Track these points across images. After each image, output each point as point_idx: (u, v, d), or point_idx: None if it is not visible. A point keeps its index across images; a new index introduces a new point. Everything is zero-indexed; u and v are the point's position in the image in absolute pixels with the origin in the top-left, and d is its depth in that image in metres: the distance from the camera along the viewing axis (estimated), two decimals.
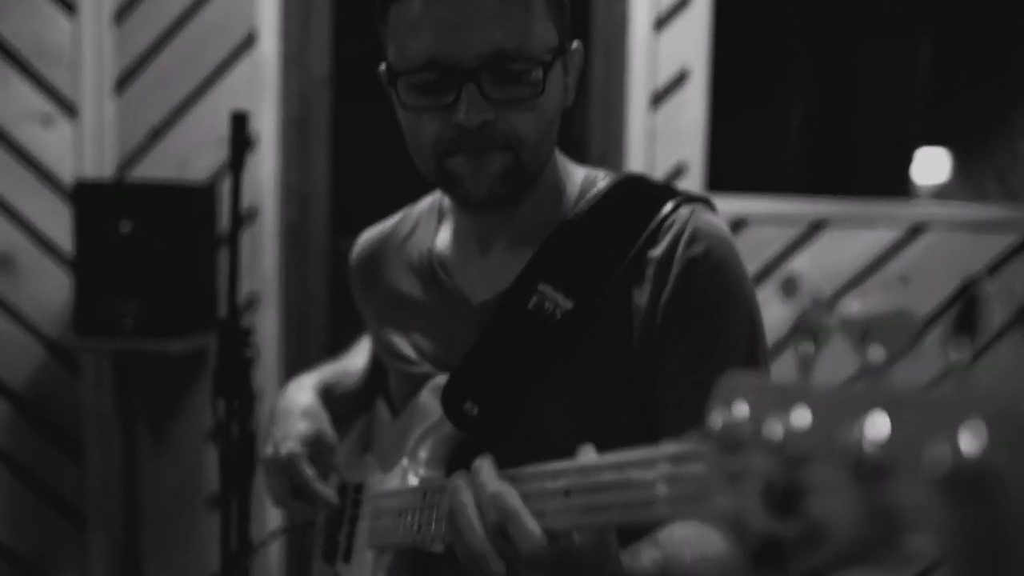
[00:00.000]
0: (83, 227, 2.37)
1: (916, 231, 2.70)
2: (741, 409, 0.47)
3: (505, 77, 0.96)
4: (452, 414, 1.07)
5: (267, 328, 2.62)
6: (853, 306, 0.46)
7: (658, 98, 2.62)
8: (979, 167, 3.17)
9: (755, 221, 2.65)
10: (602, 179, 1.12)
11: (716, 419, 0.49)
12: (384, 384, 1.30)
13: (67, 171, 2.55)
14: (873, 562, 0.40)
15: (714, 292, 1.00)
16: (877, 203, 2.74)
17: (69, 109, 2.56)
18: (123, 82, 2.58)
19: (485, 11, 0.94)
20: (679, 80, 2.61)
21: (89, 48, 2.55)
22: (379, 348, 1.26)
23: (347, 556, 1.24)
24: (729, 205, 2.62)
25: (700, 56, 2.60)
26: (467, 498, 0.83)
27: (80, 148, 2.57)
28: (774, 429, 0.44)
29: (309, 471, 1.16)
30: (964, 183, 3.18)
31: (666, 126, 2.61)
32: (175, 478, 2.63)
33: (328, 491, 1.18)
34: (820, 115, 3.36)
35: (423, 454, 1.12)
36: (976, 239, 2.69)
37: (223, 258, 2.38)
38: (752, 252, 2.64)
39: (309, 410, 1.23)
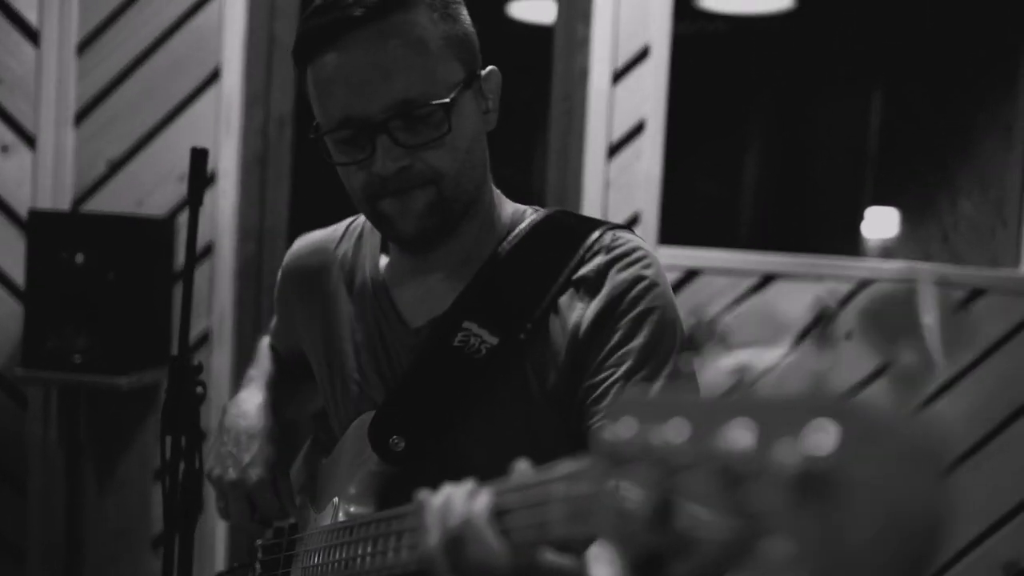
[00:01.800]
0: (36, 258, 2.35)
1: (863, 286, 2.76)
2: (628, 425, 0.48)
3: (414, 122, 1.03)
4: (379, 449, 1.10)
5: (220, 366, 2.61)
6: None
7: (614, 149, 2.67)
8: (925, 226, 3.26)
9: (707, 273, 2.70)
10: (530, 214, 1.17)
11: (604, 436, 0.50)
12: (298, 398, 1.31)
13: (23, 201, 2.54)
14: (742, 570, 0.40)
15: (642, 306, 1.05)
16: (826, 259, 2.80)
17: (27, 139, 2.55)
18: (84, 113, 2.58)
19: (386, 65, 1.01)
20: (635, 131, 2.66)
21: (51, 78, 2.54)
22: (314, 359, 1.27)
23: None
24: (681, 257, 2.67)
25: (657, 108, 2.66)
26: (435, 500, 0.82)
27: (37, 178, 2.55)
28: (653, 442, 0.45)
29: (276, 501, 1.19)
30: (910, 241, 3.27)
31: (622, 177, 2.66)
32: (120, 516, 2.59)
33: (279, 511, 1.19)
34: (774, 170, 3.44)
35: (352, 490, 1.14)
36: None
37: (177, 294, 2.37)
38: (702, 303, 2.68)
39: (273, 434, 1.25)
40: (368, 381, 1.17)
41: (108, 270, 2.34)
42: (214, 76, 2.58)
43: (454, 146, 1.05)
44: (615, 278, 1.06)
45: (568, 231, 1.12)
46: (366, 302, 1.20)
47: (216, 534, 2.59)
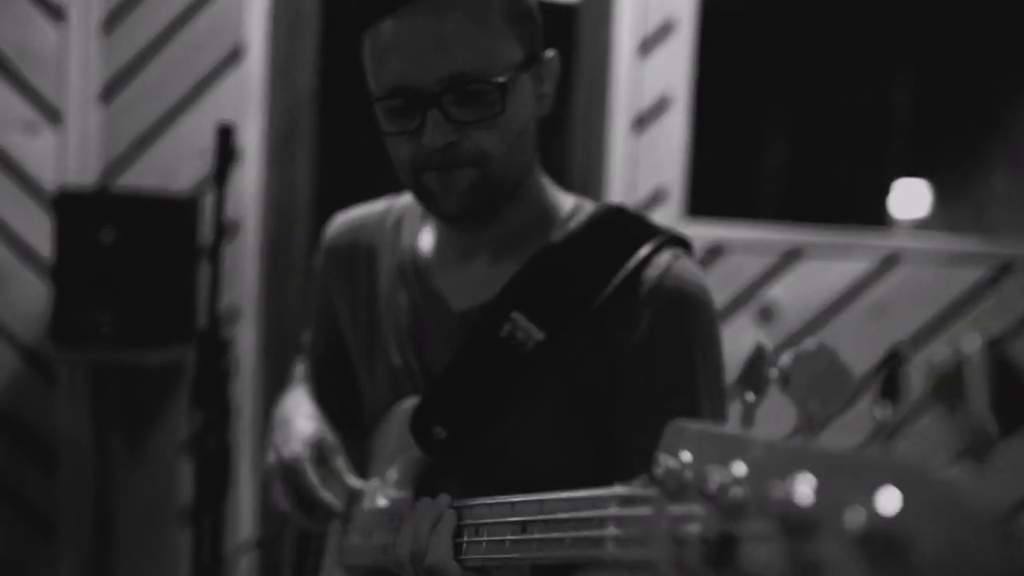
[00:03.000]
0: (63, 236, 2.36)
1: (891, 262, 2.73)
2: (685, 457, 0.50)
3: (467, 98, 1.00)
4: (420, 438, 1.08)
5: (245, 342, 2.62)
6: (786, 360, 0.48)
7: (640, 123, 2.65)
8: (956, 200, 3.22)
9: (732, 248, 2.68)
10: (586, 208, 1.14)
11: (661, 465, 0.51)
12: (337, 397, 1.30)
13: (50, 179, 2.55)
14: None
15: (684, 340, 1.02)
16: (854, 232, 2.77)
17: (54, 117, 2.56)
18: (109, 91, 2.58)
19: (444, 36, 0.98)
20: (661, 105, 2.64)
21: (76, 56, 2.55)
22: (352, 341, 1.26)
23: (315, 572, 1.24)
24: (707, 231, 2.65)
25: (683, 82, 2.63)
26: (415, 518, 0.89)
27: (64, 156, 2.56)
28: (713, 479, 0.46)
29: (313, 475, 1.15)
30: (941, 215, 3.23)
31: (647, 151, 2.64)
32: (149, 490, 2.61)
33: (331, 497, 1.16)
34: (800, 143, 3.40)
35: (393, 475, 1.13)
36: (951, 272, 2.73)
37: (204, 270, 2.38)
38: (728, 278, 2.67)
39: (312, 414, 1.24)
40: (408, 365, 1.16)
41: (134, 247, 2.34)
42: (239, 52, 2.58)
43: (505, 128, 1.02)
44: (667, 303, 1.03)
45: (625, 234, 1.09)
46: (408, 284, 1.18)
47: (244, 508, 2.61)
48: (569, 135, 2.73)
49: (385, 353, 1.19)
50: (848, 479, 0.39)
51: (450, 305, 1.14)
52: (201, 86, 2.59)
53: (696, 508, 0.48)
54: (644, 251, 1.06)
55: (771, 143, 3.32)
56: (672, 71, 2.63)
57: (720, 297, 2.45)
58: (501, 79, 1.00)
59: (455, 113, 1.00)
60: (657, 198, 2.65)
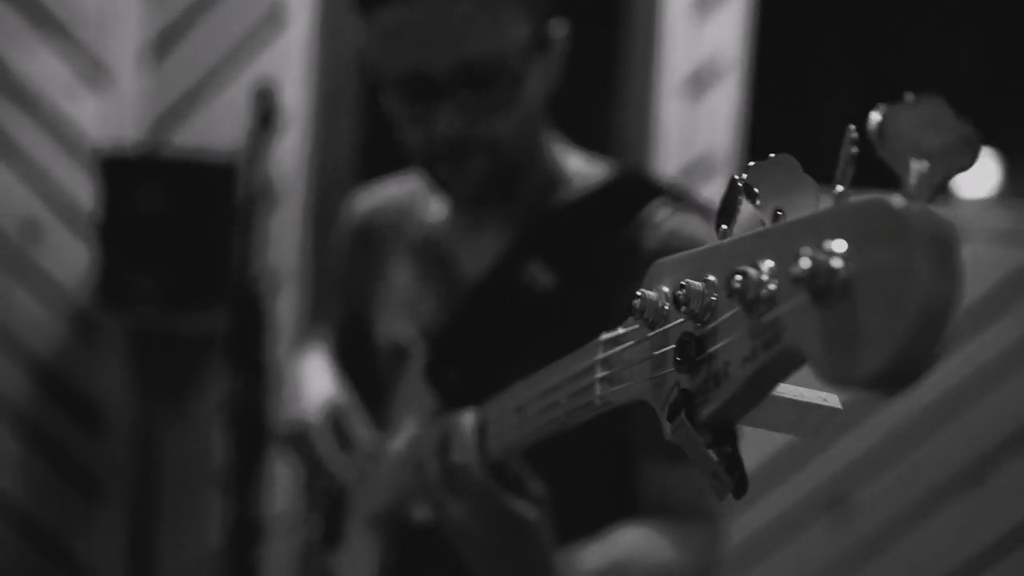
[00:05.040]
0: (108, 197, 2.36)
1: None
2: (662, 288, 0.52)
3: (478, 84, 0.98)
4: (434, 380, 1.09)
5: (285, 308, 2.60)
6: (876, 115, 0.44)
7: (693, 87, 2.56)
8: None
9: None
10: (600, 170, 1.14)
11: (641, 298, 0.53)
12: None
13: (95, 139, 2.54)
14: (762, 393, 0.45)
15: None
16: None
17: (100, 76, 2.54)
18: (156, 49, 2.56)
19: (455, 22, 0.95)
20: (716, 69, 2.55)
21: (123, 13, 2.53)
22: (366, 315, 1.26)
23: (339, 535, 1.24)
24: None
25: (739, 45, 2.54)
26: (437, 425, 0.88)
27: (109, 116, 2.56)
28: (682, 294, 0.47)
29: (324, 442, 1.16)
30: (1012, 187, 3.10)
31: (700, 116, 2.55)
32: (192, 451, 2.62)
33: (343, 463, 1.16)
34: (862, 110, 3.28)
35: (409, 428, 1.12)
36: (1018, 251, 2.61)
37: (255, 236, 2.37)
38: None
39: (325, 374, 1.26)
40: (424, 336, 1.16)
41: (177, 210, 2.34)
42: (284, 12, 2.54)
43: (517, 111, 1.01)
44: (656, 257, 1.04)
45: (630, 194, 1.10)
46: (424, 259, 1.19)
47: (282, 471, 2.61)
48: (618, 98, 2.65)
49: (397, 324, 1.19)
50: (803, 239, 0.40)
51: (462, 272, 1.15)
52: (249, 45, 2.55)
53: (672, 326, 0.50)
54: (652, 208, 1.07)
55: (831, 109, 3.20)
56: (728, 32, 2.53)
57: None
58: (513, 64, 0.98)
59: (466, 101, 0.98)
60: (708, 166, 2.57)
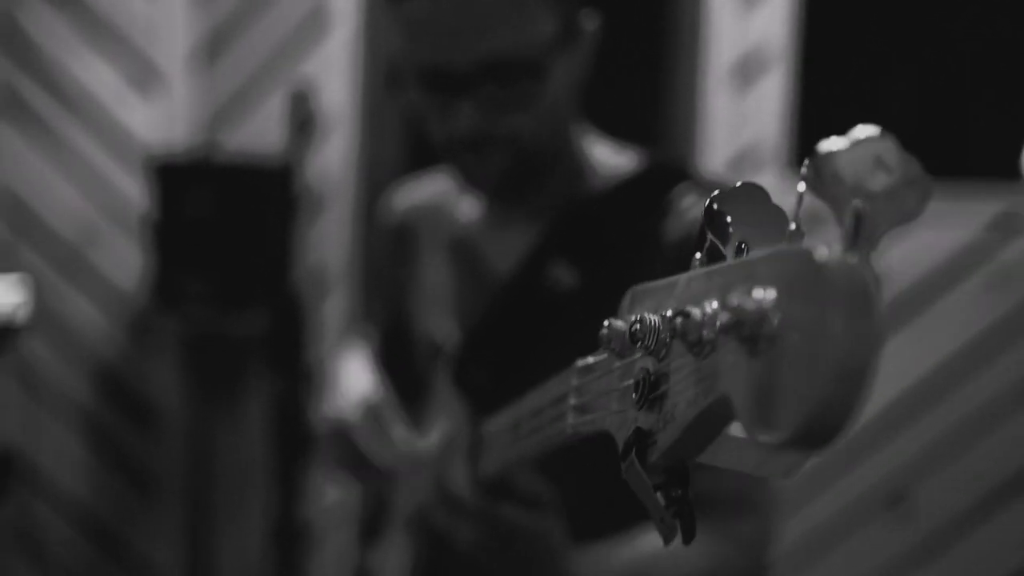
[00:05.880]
0: (161, 201, 2.40)
1: (1018, 224, 2.53)
2: (632, 317, 0.49)
3: (502, 79, 0.96)
4: (461, 381, 1.08)
5: (336, 310, 2.62)
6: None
7: (740, 77, 2.51)
8: None
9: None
10: (629, 160, 1.12)
11: (610, 328, 0.51)
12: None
13: (147, 143, 2.59)
14: (710, 436, 0.43)
15: None
16: (976, 191, 2.58)
17: (151, 80, 2.59)
18: (205, 53, 2.60)
19: (478, 16, 0.94)
20: (763, 59, 2.49)
21: (171, 18, 2.57)
22: (401, 312, 1.27)
23: (379, 533, 1.25)
24: None
25: (786, 34, 2.48)
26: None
27: (160, 120, 2.60)
28: (637, 328, 0.46)
29: (367, 439, 1.17)
30: None
31: (747, 107, 2.50)
32: (241, 449, 2.66)
33: (381, 462, 1.17)
34: (919, 95, 3.18)
35: (439, 430, 1.13)
36: None
37: (296, 236, 2.40)
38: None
39: (365, 372, 1.26)
40: (452, 332, 1.17)
41: (228, 213, 2.37)
42: (328, 14, 2.55)
43: (541, 106, 0.99)
44: (686, 246, 1.02)
45: (658, 185, 1.07)
46: (457, 257, 1.19)
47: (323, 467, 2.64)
48: (664, 88, 2.62)
49: (430, 321, 1.20)
50: (740, 283, 0.38)
51: (492, 269, 1.14)
52: (294, 48, 2.57)
53: (635, 360, 0.49)
54: (679, 196, 1.04)
55: (882, 100, 3.11)
56: (777, 18, 2.47)
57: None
58: (537, 60, 0.96)
59: (489, 97, 0.97)
60: (756, 158, 2.52)
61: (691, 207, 1.03)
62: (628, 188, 1.09)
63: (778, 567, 1.06)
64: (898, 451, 2.57)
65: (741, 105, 2.51)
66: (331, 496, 2.55)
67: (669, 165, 1.14)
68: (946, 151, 3.08)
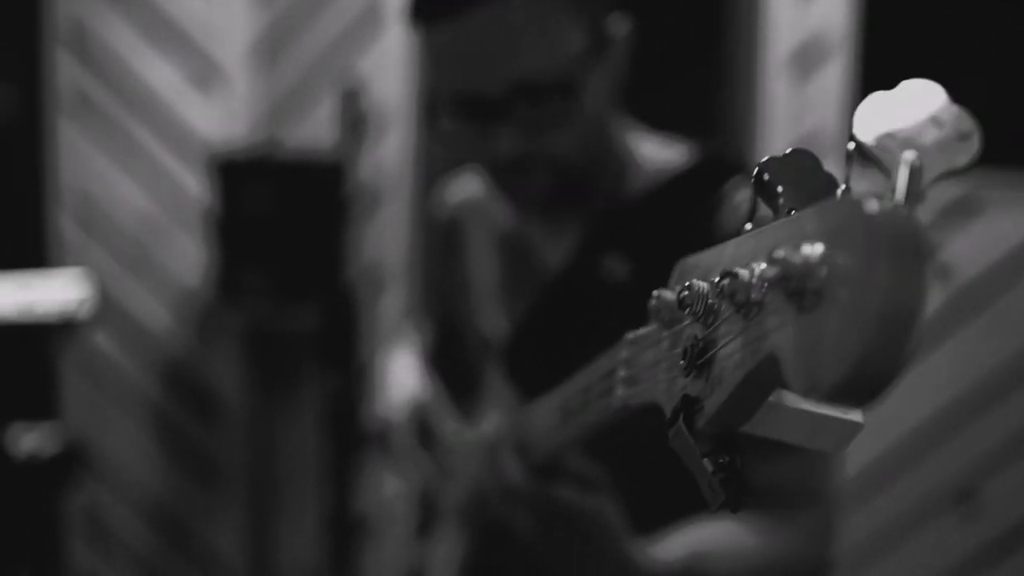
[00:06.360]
0: (223, 197, 2.45)
1: None
2: (679, 287, 0.49)
3: (536, 100, 0.95)
4: (512, 375, 1.09)
5: (391, 305, 2.63)
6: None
7: (800, 65, 2.47)
8: None
9: None
10: (676, 154, 1.11)
11: (656, 299, 0.51)
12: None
13: (208, 139, 2.63)
14: (758, 400, 0.43)
15: None
16: None
17: (211, 77, 2.63)
18: (263, 50, 2.63)
19: (505, 39, 0.93)
20: (823, 46, 2.45)
21: (235, 16, 2.61)
22: (454, 314, 1.27)
23: (432, 526, 1.26)
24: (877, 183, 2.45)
25: (846, 21, 2.44)
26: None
27: (222, 116, 2.64)
28: (685, 295, 0.46)
29: (410, 440, 1.20)
30: None
31: (808, 95, 2.47)
32: (299, 443, 2.70)
33: (428, 458, 1.19)
34: (986, 81, 3.09)
35: (490, 423, 1.13)
36: None
37: (356, 233, 2.42)
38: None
39: (413, 371, 1.28)
40: (503, 330, 1.17)
41: (286, 209, 2.41)
42: (382, 12, 2.57)
43: (580, 118, 0.98)
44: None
45: (706, 177, 1.06)
46: (507, 252, 1.19)
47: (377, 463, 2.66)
48: (723, 76, 2.59)
49: (480, 316, 1.20)
50: (787, 240, 0.38)
51: (542, 263, 1.13)
52: (349, 45, 2.60)
53: (683, 328, 0.49)
54: (722, 188, 1.03)
55: (946, 87, 3.03)
56: (835, 8, 2.43)
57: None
58: (569, 77, 0.95)
59: (525, 119, 0.96)
60: (818, 147, 2.47)
61: (746, 200, 1.02)
62: (679, 182, 1.07)
63: (842, 562, 1.04)
64: (965, 446, 2.51)
65: (801, 94, 2.47)
66: (386, 490, 2.57)
67: (721, 158, 1.13)
68: (1015, 139, 2.99)
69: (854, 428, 0.46)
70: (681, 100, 2.46)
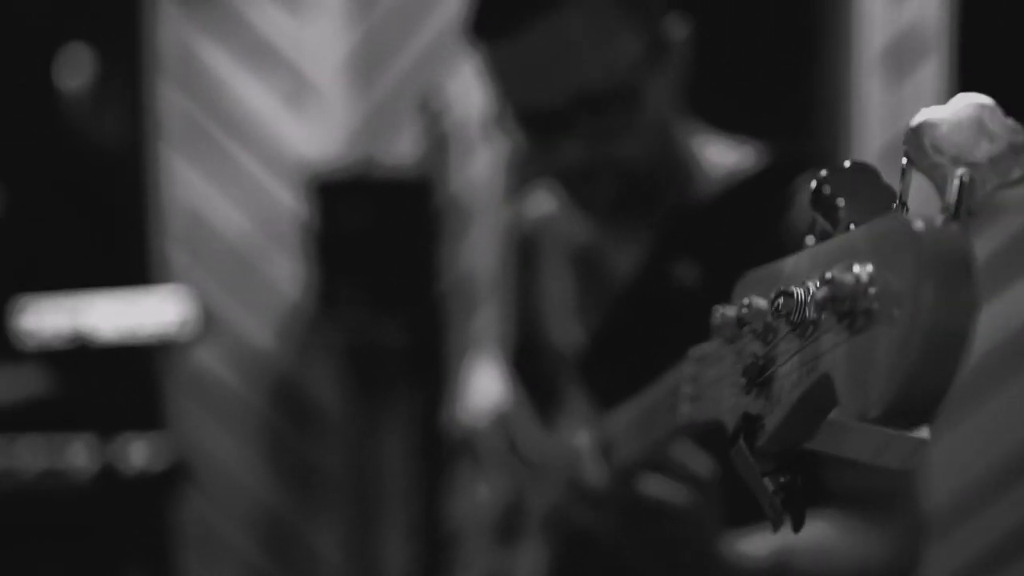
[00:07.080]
0: (320, 214, 2.50)
1: None
2: (739, 303, 0.49)
3: (597, 109, 0.96)
4: (590, 384, 1.10)
5: (484, 321, 2.64)
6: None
7: (893, 64, 2.41)
8: None
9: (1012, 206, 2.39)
10: (744, 156, 1.10)
11: (719, 316, 0.51)
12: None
13: (304, 157, 2.69)
14: (816, 419, 0.42)
15: None
16: None
17: (307, 96, 2.70)
18: (357, 68, 2.68)
19: (564, 54, 0.95)
20: (918, 44, 2.39)
21: (326, 35, 2.67)
22: (526, 323, 1.29)
23: (516, 537, 1.27)
24: None
25: (942, 18, 2.37)
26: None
27: (317, 134, 2.70)
28: (745, 313, 0.46)
29: (490, 448, 1.21)
30: None
31: (904, 94, 2.40)
32: (393, 456, 2.74)
33: (511, 467, 1.20)
34: None
35: (569, 433, 1.14)
36: None
37: (449, 248, 2.45)
38: (1002, 238, 2.38)
39: (496, 379, 1.30)
40: (577, 342, 1.17)
41: (381, 225, 2.46)
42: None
43: (642, 126, 0.99)
44: None
45: (779, 177, 1.04)
46: (578, 263, 1.20)
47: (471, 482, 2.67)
48: (814, 74, 2.54)
49: (555, 329, 1.21)
50: (839, 260, 0.38)
51: (612, 273, 1.14)
52: (439, 60, 2.62)
53: (745, 345, 0.49)
54: (792, 191, 1.01)
55: None
56: (930, 5, 2.36)
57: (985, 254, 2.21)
58: (629, 85, 0.96)
59: (589, 129, 0.97)
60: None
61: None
62: (747, 185, 1.07)
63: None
64: None
65: (896, 93, 2.41)
66: (476, 502, 2.59)
67: (790, 158, 1.11)
68: None
69: (920, 444, 0.46)
70: (771, 99, 2.42)
